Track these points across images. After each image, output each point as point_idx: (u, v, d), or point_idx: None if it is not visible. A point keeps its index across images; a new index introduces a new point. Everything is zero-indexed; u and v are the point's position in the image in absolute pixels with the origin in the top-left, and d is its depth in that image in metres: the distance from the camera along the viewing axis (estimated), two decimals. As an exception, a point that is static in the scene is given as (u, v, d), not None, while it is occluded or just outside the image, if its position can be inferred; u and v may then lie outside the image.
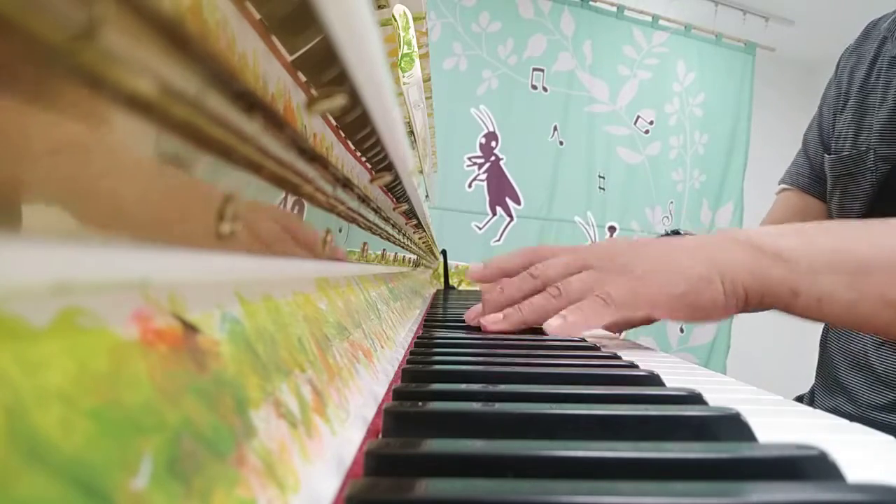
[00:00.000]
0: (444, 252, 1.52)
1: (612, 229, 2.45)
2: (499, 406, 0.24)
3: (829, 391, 0.75)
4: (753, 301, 0.44)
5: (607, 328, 0.61)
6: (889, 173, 0.67)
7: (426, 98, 0.85)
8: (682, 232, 0.71)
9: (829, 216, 0.77)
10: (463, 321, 0.61)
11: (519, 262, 0.56)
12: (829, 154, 0.76)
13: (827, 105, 0.80)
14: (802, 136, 0.85)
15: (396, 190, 0.51)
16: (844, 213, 0.73)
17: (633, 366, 0.35)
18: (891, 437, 0.23)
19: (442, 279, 1.53)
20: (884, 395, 0.67)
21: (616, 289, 0.45)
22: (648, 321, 0.54)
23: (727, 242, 0.45)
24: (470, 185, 2.28)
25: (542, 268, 0.51)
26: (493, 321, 0.50)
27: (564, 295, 0.48)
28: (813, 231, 0.46)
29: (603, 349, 0.44)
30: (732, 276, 0.43)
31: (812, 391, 0.80)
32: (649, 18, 2.48)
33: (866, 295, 0.42)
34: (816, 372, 0.80)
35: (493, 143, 2.30)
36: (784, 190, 0.85)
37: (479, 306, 0.54)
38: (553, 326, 0.46)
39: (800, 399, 0.80)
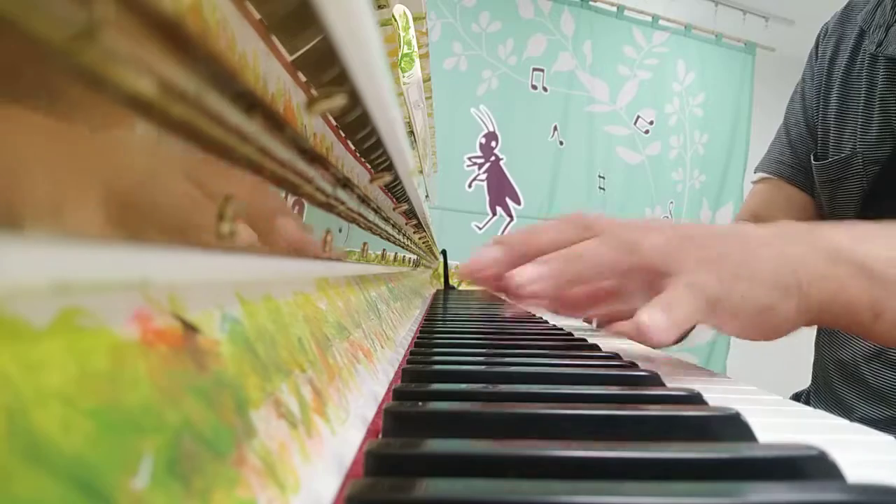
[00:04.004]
0: (444, 252, 1.52)
1: (612, 229, 2.45)
2: (499, 406, 0.24)
3: (823, 400, 0.73)
4: (825, 317, 0.37)
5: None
6: (879, 174, 0.65)
7: (426, 98, 0.85)
8: None
9: (821, 213, 0.74)
10: (463, 321, 0.61)
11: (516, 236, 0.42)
12: (815, 159, 0.73)
13: (809, 89, 0.76)
14: (784, 117, 0.79)
15: (396, 190, 0.51)
16: (837, 216, 0.71)
17: (633, 366, 0.35)
18: (891, 438, 0.23)
19: (442, 279, 1.53)
20: (880, 409, 0.65)
21: (711, 280, 0.34)
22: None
23: (808, 247, 0.37)
24: (470, 185, 2.28)
25: (594, 219, 0.39)
26: (532, 277, 0.36)
27: (635, 250, 0.36)
28: None
29: (603, 349, 0.44)
30: (811, 290, 0.36)
31: (808, 394, 0.78)
32: (649, 18, 2.48)
33: None
34: (811, 378, 0.78)
35: (493, 143, 2.30)
36: (764, 179, 0.78)
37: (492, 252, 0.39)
38: (631, 329, 0.33)
39: (798, 395, 0.79)
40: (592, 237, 0.37)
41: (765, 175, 0.79)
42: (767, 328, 0.36)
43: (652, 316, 0.33)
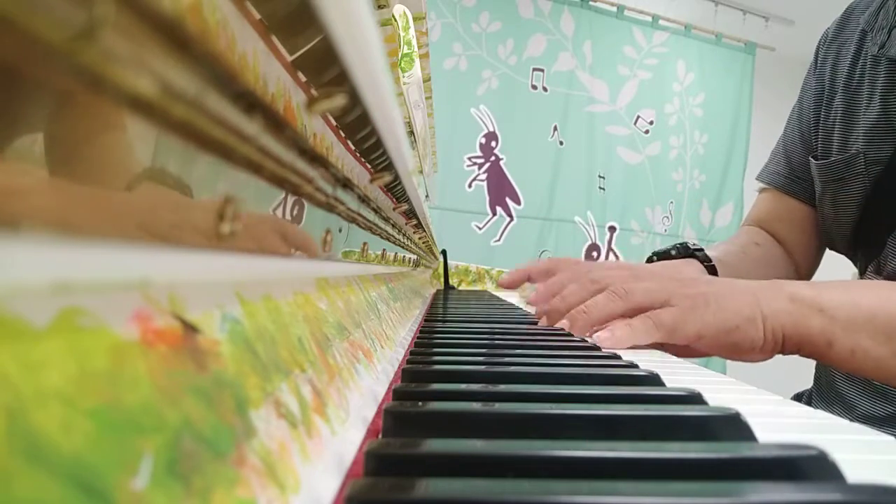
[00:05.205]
0: (444, 252, 1.52)
1: (612, 229, 2.44)
2: (499, 406, 0.24)
3: (825, 399, 0.73)
4: (790, 346, 0.47)
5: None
6: (881, 175, 0.66)
7: (426, 98, 0.85)
8: (692, 245, 0.74)
9: (821, 219, 0.75)
10: (462, 320, 0.61)
11: (543, 266, 0.61)
12: (815, 159, 0.74)
13: (807, 99, 0.78)
14: (783, 129, 0.82)
15: (396, 190, 0.51)
16: (839, 217, 0.71)
17: (633, 366, 0.35)
18: (891, 438, 0.23)
19: (442, 279, 1.53)
20: (883, 407, 0.65)
21: (669, 316, 0.47)
22: (690, 353, 0.53)
23: (774, 291, 0.48)
24: (470, 185, 2.28)
25: (602, 275, 0.54)
26: (566, 329, 0.52)
27: (629, 296, 0.49)
28: (857, 289, 0.48)
29: (603, 349, 0.44)
30: (773, 321, 0.46)
31: (810, 394, 0.79)
32: (649, 18, 2.48)
33: None
34: (814, 378, 0.78)
35: (493, 143, 2.30)
36: (763, 189, 0.84)
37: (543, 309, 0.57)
38: (601, 338, 0.47)
39: (799, 396, 0.79)
40: (601, 290, 0.52)
41: (763, 186, 0.83)
42: (735, 346, 0.47)
43: (616, 331, 0.47)
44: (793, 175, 0.79)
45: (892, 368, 0.45)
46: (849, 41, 0.72)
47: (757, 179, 0.85)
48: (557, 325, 0.54)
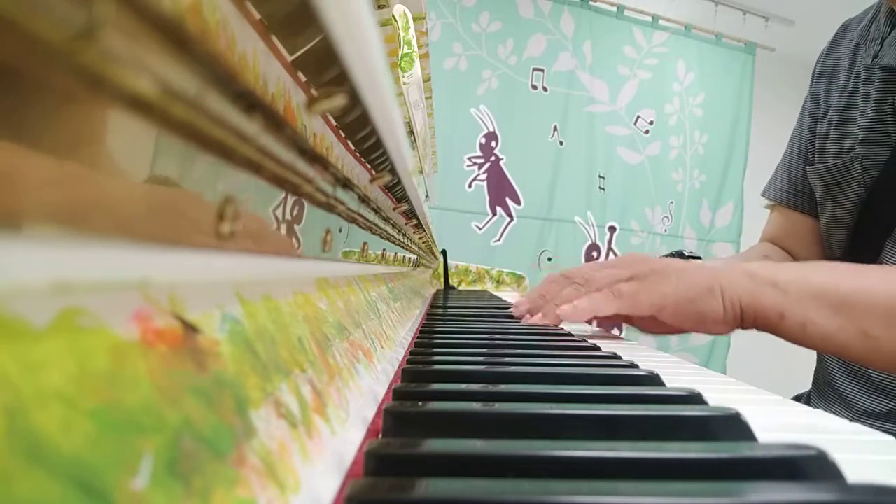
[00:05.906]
0: (444, 252, 1.52)
1: (612, 229, 2.44)
2: (499, 406, 0.24)
3: (824, 397, 0.74)
4: (747, 319, 0.51)
5: (618, 319, 0.64)
6: (877, 180, 0.67)
7: (426, 98, 0.85)
8: (687, 253, 0.77)
9: (822, 227, 0.77)
10: (462, 320, 0.62)
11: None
12: (811, 165, 0.76)
13: (805, 116, 0.81)
14: (785, 149, 0.85)
15: (396, 190, 0.51)
16: (837, 221, 0.73)
17: (633, 366, 0.35)
18: (890, 438, 0.23)
19: (442, 279, 1.53)
20: (882, 403, 0.66)
21: (627, 286, 0.52)
22: (660, 328, 0.57)
23: (732, 268, 0.52)
24: (470, 185, 2.28)
25: (576, 269, 0.59)
26: (538, 321, 0.60)
27: (591, 283, 0.55)
28: (809, 268, 0.52)
29: (603, 349, 0.44)
30: (731, 293, 0.50)
31: (808, 396, 0.79)
32: (649, 18, 2.48)
33: (846, 326, 0.47)
34: (812, 378, 0.79)
35: (493, 143, 2.30)
36: (770, 207, 0.87)
37: (526, 307, 0.64)
38: (563, 310, 0.53)
39: (798, 398, 0.80)
40: (573, 285, 0.57)
41: (769, 203, 0.86)
42: (696, 318, 0.50)
43: (578, 304, 0.53)
44: (794, 189, 0.81)
45: (839, 342, 0.48)
46: (843, 56, 0.75)
47: (762, 196, 0.87)
48: (533, 320, 0.59)
